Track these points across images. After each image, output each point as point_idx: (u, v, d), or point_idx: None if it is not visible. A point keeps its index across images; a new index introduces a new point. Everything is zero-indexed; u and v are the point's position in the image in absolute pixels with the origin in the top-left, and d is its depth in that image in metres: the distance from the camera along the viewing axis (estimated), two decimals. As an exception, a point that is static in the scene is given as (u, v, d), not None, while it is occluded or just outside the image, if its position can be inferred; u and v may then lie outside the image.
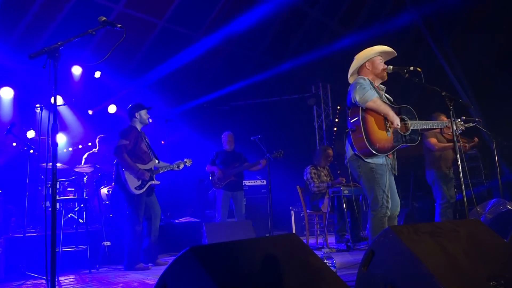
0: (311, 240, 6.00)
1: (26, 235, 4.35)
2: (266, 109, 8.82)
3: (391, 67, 3.28)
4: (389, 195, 3.10)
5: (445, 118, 5.07)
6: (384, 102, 3.16)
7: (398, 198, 3.25)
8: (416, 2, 7.83)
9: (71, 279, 3.94)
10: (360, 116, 3.08)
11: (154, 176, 4.51)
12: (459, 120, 3.47)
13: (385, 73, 3.28)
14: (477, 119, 4.90)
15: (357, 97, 3.08)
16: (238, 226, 4.81)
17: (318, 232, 5.91)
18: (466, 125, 3.50)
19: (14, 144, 5.56)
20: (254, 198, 7.07)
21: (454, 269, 1.72)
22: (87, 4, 6.15)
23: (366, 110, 3.10)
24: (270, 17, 7.60)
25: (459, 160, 3.16)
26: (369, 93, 3.07)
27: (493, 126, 6.44)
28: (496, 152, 5.58)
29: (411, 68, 3.19)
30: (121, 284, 3.54)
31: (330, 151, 6.07)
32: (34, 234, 4.60)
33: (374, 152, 3.02)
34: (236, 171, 5.44)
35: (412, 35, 8.52)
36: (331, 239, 5.86)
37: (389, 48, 3.33)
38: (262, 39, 8.17)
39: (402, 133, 3.15)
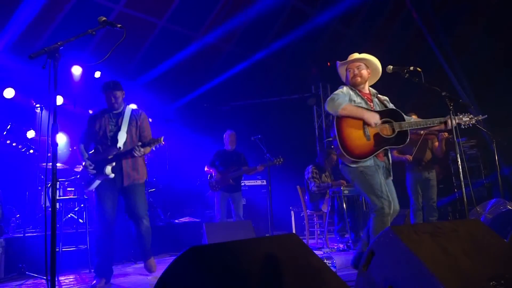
0: (311, 240, 6.00)
1: (26, 235, 4.35)
2: (266, 109, 8.82)
3: (391, 67, 3.28)
4: (387, 194, 3.10)
5: (415, 117, 5.10)
6: (358, 106, 3.18)
7: (396, 199, 3.24)
8: (417, 2, 7.84)
9: (71, 279, 3.94)
10: (335, 126, 3.14)
11: (110, 167, 3.57)
12: (466, 113, 3.38)
13: (357, 79, 3.33)
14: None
15: (328, 109, 3.19)
16: (238, 226, 4.81)
17: (318, 232, 5.92)
18: (476, 118, 3.35)
19: (14, 144, 5.56)
20: (254, 198, 7.07)
21: (454, 269, 1.72)
22: (87, 4, 6.15)
23: (342, 118, 3.16)
24: (270, 18, 7.61)
25: (459, 159, 3.16)
26: (338, 102, 3.14)
27: (493, 126, 6.43)
28: (496, 152, 5.58)
29: (411, 68, 3.21)
30: (121, 284, 3.54)
31: (334, 156, 6.02)
32: (34, 234, 4.60)
33: (354, 159, 3.09)
34: (234, 175, 5.43)
35: (412, 35, 8.52)
36: (331, 239, 5.86)
37: (355, 55, 3.38)
38: (262, 39, 8.17)
39: (386, 136, 3.15)
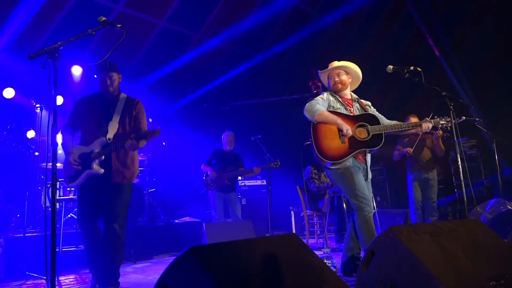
0: (311, 240, 6.00)
1: (26, 235, 4.35)
2: (266, 109, 8.82)
3: (391, 66, 3.31)
4: (368, 194, 3.21)
5: (414, 120, 5.10)
6: (336, 112, 3.29)
7: (371, 201, 3.31)
8: (417, 2, 7.84)
9: (71, 279, 3.94)
10: (311, 130, 3.29)
11: (98, 162, 3.11)
12: (444, 117, 3.37)
13: (338, 86, 3.44)
14: (477, 119, 4.89)
15: (306, 114, 3.34)
16: (238, 226, 4.81)
17: (318, 232, 5.91)
18: (454, 121, 3.37)
19: (14, 144, 5.55)
20: (254, 198, 7.07)
21: (454, 269, 1.72)
22: (87, 4, 6.15)
23: (318, 123, 3.30)
24: (270, 18, 7.61)
25: (459, 159, 3.16)
26: (315, 108, 3.28)
27: (493, 126, 6.44)
28: (496, 152, 5.58)
29: (411, 68, 3.24)
30: (121, 284, 3.53)
31: None
32: (34, 234, 4.60)
33: (328, 160, 3.22)
34: (230, 175, 5.43)
35: (412, 35, 8.52)
36: (331, 239, 5.86)
37: (335, 63, 3.48)
38: (262, 39, 8.17)
39: (361, 139, 3.25)
